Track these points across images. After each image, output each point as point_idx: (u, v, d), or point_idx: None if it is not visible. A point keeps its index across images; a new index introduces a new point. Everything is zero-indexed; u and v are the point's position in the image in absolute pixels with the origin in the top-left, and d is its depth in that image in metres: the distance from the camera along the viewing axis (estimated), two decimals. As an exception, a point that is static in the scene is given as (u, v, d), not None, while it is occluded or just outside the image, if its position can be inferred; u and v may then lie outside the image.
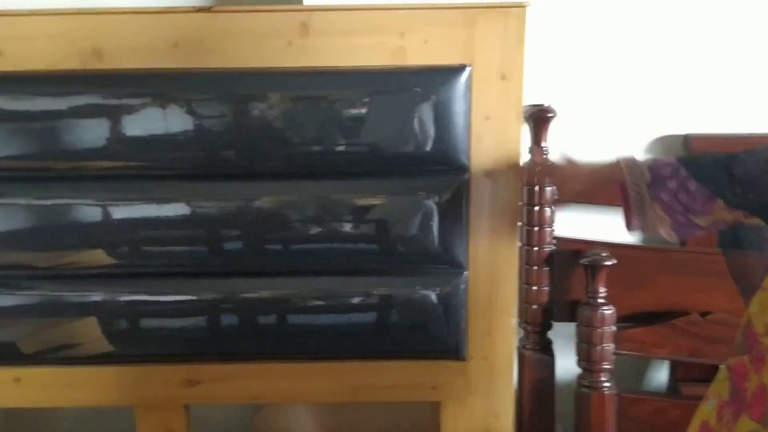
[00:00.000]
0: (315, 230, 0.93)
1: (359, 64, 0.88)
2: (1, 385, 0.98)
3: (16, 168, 0.92)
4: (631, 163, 0.76)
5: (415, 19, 0.88)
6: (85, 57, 0.87)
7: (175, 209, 0.92)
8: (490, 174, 0.92)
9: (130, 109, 0.89)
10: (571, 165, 0.84)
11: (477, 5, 0.88)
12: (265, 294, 0.96)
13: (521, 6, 0.88)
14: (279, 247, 0.94)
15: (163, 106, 0.88)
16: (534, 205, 1.04)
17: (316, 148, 0.91)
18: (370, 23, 0.87)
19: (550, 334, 1.10)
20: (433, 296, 0.95)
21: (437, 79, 0.88)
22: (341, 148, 0.91)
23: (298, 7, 0.88)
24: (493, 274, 0.95)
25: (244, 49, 0.88)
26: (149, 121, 0.89)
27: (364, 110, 0.90)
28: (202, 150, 0.90)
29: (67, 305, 0.96)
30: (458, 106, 0.89)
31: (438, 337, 0.97)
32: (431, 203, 0.92)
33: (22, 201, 0.93)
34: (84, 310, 0.96)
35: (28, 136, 0.90)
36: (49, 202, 0.92)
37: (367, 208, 0.93)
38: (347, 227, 0.93)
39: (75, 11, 0.87)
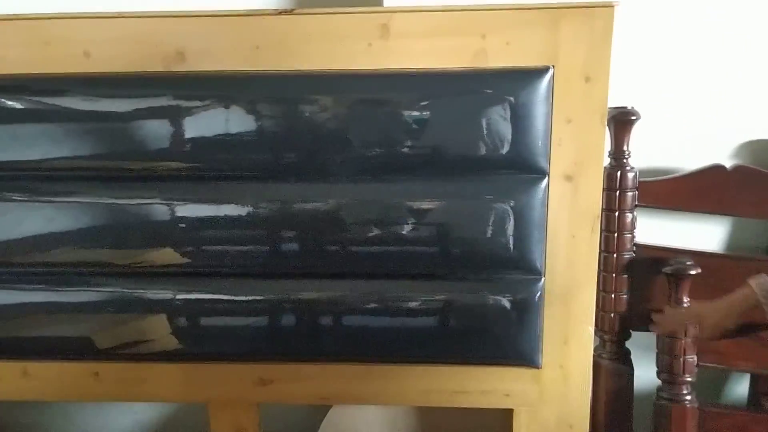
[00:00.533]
0: (378, 233, 0.92)
1: (439, 66, 0.87)
2: (81, 379, 1.01)
3: (91, 167, 0.94)
4: (763, 283, 0.82)
5: (497, 20, 0.86)
6: (168, 59, 0.89)
7: (238, 210, 0.93)
8: (571, 178, 0.90)
9: (209, 112, 0.89)
10: (705, 305, 0.92)
11: (562, 5, 0.85)
12: (326, 296, 0.96)
13: (609, 6, 0.85)
14: (339, 249, 0.94)
15: (243, 108, 0.89)
16: (614, 211, 1.01)
17: (386, 150, 0.90)
18: (451, 25, 0.86)
19: (628, 344, 1.07)
20: (506, 302, 0.93)
21: (519, 81, 0.87)
22: (413, 150, 0.89)
23: (379, 8, 0.87)
24: (571, 281, 0.92)
25: (324, 52, 0.87)
26: (226, 124, 0.89)
27: (440, 113, 0.88)
28: (274, 152, 0.91)
29: (138, 302, 0.98)
30: (539, 109, 0.87)
31: (511, 344, 0.95)
32: (506, 207, 0.90)
33: (96, 200, 0.95)
34: (153, 307, 0.98)
35: (106, 137, 0.92)
36: (121, 201, 0.94)
37: (433, 212, 0.92)
38: (413, 231, 0.92)
39: (160, 14, 0.88)
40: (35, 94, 0.91)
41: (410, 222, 0.92)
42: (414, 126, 0.89)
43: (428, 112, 0.88)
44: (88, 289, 0.99)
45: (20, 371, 1.01)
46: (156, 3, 0.96)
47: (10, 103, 0.91)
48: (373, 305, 0.96)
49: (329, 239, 0.94)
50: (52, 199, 0.95)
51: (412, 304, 0.96)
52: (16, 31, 0.89)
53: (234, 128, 0.90)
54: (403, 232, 0.92)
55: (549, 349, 0.95)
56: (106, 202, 0.95)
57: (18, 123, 0.92)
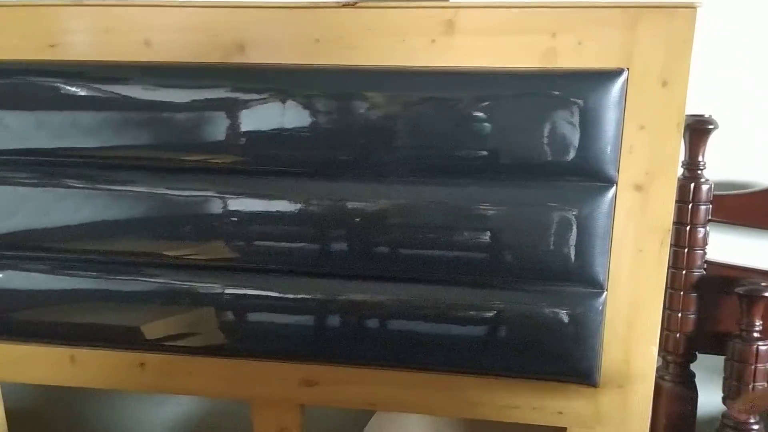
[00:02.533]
0: (430, 236, 0.89)
1: (505, 66, 0.83)
2: (127, 368, 1.01)
3: (148, 157, 0.93)
4: None
5: (569, 18, 0.81)
6: (228, 51, 0.87)
7: (289, 206, 0.91)
8: (641, 188, 0.84)
9: (266, 105, 0.87)
10: None
11: (640, 4, 0.80)
12: (373, 298, 0.93)
13: (691, 7, 0.80)
14: (388, 251, 0.91)
15: (303, 103, 0.87)
16: (685, 225, 0.95)
17: (443, 152, 0.86)
18: (520, 22, 0.82)
19: (693, 366, 1.01)
20: (564, 316, 0.89)
21: (589, 83, 0.82)
22: (472, 153, 0.86)
23: (445, 3, 0.84)
24: (636, 297, 0.87)
25: (385, 47, 0.85)
26: (281, 118, 0.87)
27: (502, 114, 0.84)
28: (328, 148, 0.89)
29: (186, 294, 0.97)
30: (610, 114, 0.82)
31: (567, 359, 0.90)
32: (569, 216, 0.86)
33: (151, 190, 0.94)
34: (202, 300, 0.97)
35: (162, 127, 0.91)
36: (175, 192, 0.94)
37: (489, 217, 0.88)
38: (467, 236, 0.88)
39: (221, 4, 0.87)
40: (95, 81, 0.91)
41: (464, 227, 0.88)
42: (474, 127, 0.85)
43: (490, 113, 0.84)
44: (139, 279, 0.98)
45: (68, 357, 1.02)
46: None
47: (71, 89, 0.91)
48: (420, 311, 0.93)
49: (378, 240, 0.91)
50: (109, 187, 0.95)
51: (462, 312, 0.92)
52: (79, 17, 0.89)
53: (289, 123, 0.88)
54: (456, 237, 0.89)
55: (608, 368, 0.90)
56: (160, 192, 0.94)
57: (78, 110, 0.92)
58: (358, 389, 0.97)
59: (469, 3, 0.84)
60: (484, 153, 0.86)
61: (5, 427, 1.09)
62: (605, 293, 0.88)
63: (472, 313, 0.92)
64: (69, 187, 0.95)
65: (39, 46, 0.90)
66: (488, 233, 0.89)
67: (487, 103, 0.84)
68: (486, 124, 0.85)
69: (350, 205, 0.90)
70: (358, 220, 0.90)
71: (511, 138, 0.85)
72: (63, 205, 0.96)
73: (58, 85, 0.91)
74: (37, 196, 0.96)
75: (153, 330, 1.00)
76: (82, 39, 0.89)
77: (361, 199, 0.90)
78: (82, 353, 1.01)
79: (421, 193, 0.89)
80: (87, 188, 0.95)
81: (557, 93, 0.83)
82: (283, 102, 0.87)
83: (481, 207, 0.88)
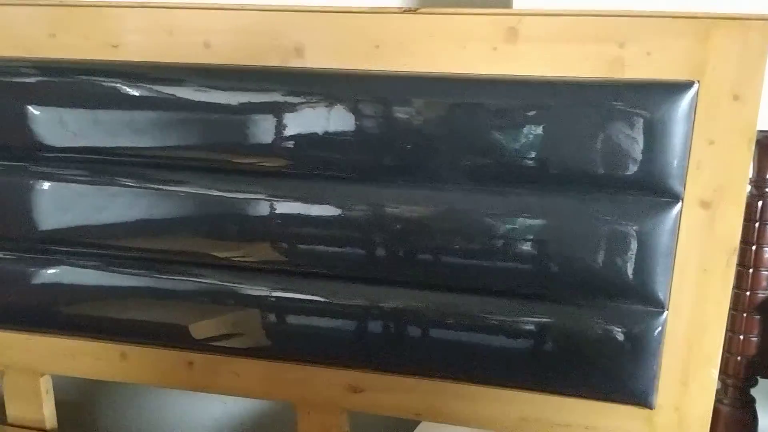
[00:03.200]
0: (476, 245, 0.87)
1: (570, 75, 0.81)
2: (176, 367, 1.02)
3: (199, 158, 0.94)
4: None
5: (637, 28, 0.79)
6: (287, 54, 0.87)
7: (334, 210, 0.91)
8: (708, 205, 0.81)
9: (321, 109, 0.87)
10: None
11: (713, 15, 0.77)
12: (416, 306, 0.92)
13: (766, 19, 0.76)
14: (431, 258, 0.90)
15: (354, 108, 0.86)
16: (751, 244, 0.91)
17: (496, 160, 0.84)
18: (586, 31, 0.80)
19: (753, 391, 0.97)
20: (619, 334, 0.86)
21: (658, 95, 0.79)
22: (526, 162, 0.84)
23: (509, 10, 0.83)
24: (699, 317, 0.84)
25: (446, 54, 0.83)
26: (335, 122, 0.87)
27: (563, 124, 0.82)
28: (377, 154, 0.88)
29: (233, 295, 0.98)
30: (678, 127, 0.80)
31: (622, 379, 0.87)
32: (629, 232, 0.83)
33: (201, 190, 0.95)
34: (248, 301, 0.97)
35: (216, 129, 0.91)
36: (225, 193, 0.94)
37: (541, 228, 0.86)
38: (516, 246, 0.87)
39: (281, 8, 0.87)
40: (153, 82, 0.91)
41: (513, 237, 0.86)
42: (531, 136, 0.83)
43: (550, 122, 0.82)
44: (187, 278, 0.99)
45: (119, 354, 1.03)
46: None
47: (128, 89, 0.92)
48: (465, 320, 0.91)
49: (423, 247, 0.90)
50: (160, 186, 0.96)
51: (509, 324, 0.90)
52: (142, 19, 0.90)
53: (343, 127, 0.87)
54: (503, 247, 0.87)
55: (665, 390, 0.87)
56: (210, 193, 0.94)
57: (133, 110, 0.92)
58: (405, 398, 0.96)
59: (534, 10, 0.82)
60: (539, 163, 0.84)
61: (54, 418, 1.11)
62: (666, 312, 0.85)
63: (519, 325, 0.90)
64: (122, 185, 0.96)
65: (101, 45, 0.91)
66: (538, 244, 0.87)
67: (547, 112, 0.82)
68: (544, 133, 0.83)
69: (394, 210, 0.89)
70: (400, 226, 0.89)
71: (569, 148, 0.83)
72: (115, 203, 0.97)
73: (117, 85, 0.92)
74: (91, 193, 0.98)
75: (200, 329, 1.01)
76: (143, 39, 0.90)
77: (407, 204, 0.89)
78: (133, 350, 1.03)
79: (468, 200, 0.88)
80: (139, 187, 0.96)
81: (622, 104, 0.80)
82: (339, 106, 0.87)
83: (531, 217, 0.86)
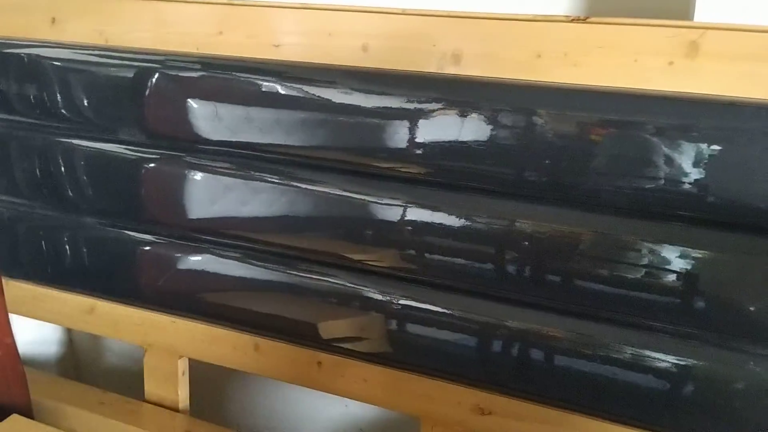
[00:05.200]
0: (612, 272, 0.82)
1: (756, 96, 0.73)
2: (306, 365, 1.03)
3: (339, 160, 0.94)
4: None
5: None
6: (444, 61, 0.85)
7: (464, 222, 0.88)
8: None
9: (473, 118, 0.84)
10: None
11: None
12: (542, 329, 0.88)
13: None
14: (562, 280, 0.85)
15: (508, 119, 0.83)
16: None
17: (651, 185, 0.78)
18: (779, 48, 0.72)
19: None
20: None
21: None
22: (682, 188, 0.77)
23: (691, 23, 0.76)
24: None
25: (615, 67, 0.78)
26: (483, 132, 0.84)
27: (740, 149, 0.75)
28: (517, 168, 0.84)
29: (359, 298, 0.98)
30: None
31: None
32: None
33: (338, 192, 0.95)
34: (373, 306, 0.97)
35: (361, 132, 0.91)
36: (361, 196, 0.94)
37: (692, 261, 0.79)
38: (657, 277, 0.80)
39: (441, 13, 0.85)
40: (309, 83, 0.92)
41: (655, 267, 0.80)
42: (704, 161, 0.76)
43: (728, 148, 0.75)
44: (320, 277, 1.00)
45: (253, 345, 1.06)
46: (434, 2, 0.93)
47: (284, 90, 0.94)
48: (598, 350, 0.86)
49: (553, 268, 0.85)
50: (302, 185, 0.97)
51: (646, 359, 0.84)
52: (303, 20, 0.91)
53: (493, 138, 0.84)
54: (642, 276, 0.80)
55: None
56: (349, 195, 0.95)
57: (287, 109, 0.94)
58: (534, 427, 0.92)
59: (719, 24, 0.75)
60: (708, 191, 0.77)
61: (187, 399, 1.16)
62: None
63: (658, 363, 0.83)
64: (266, 181, 0.99)
65: (264, 45, 0.93)
66: (690, 278, 0.80)
67: (726, 136, 0.75)
68: (720, 159, 0.75)
69: (527, 227, 0.86)
70: (531, 243, 0.85)
71: (746, 180, 0.75)
72: (259, 198, 1.00)
73: (274, 84, 0.94)
74: (238, 187, 1.01)
75: (328, 329, 1.01)
76: (303, 41, 0.92)
77: (541, 222, 0.85)
78: (266, 343, 1.05)
79: (611, 224, 0.83)
80: (281, 184, 0.98)
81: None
82: (493, 116, 0.84)
83: (689, 248, 0.79)
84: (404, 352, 0.97)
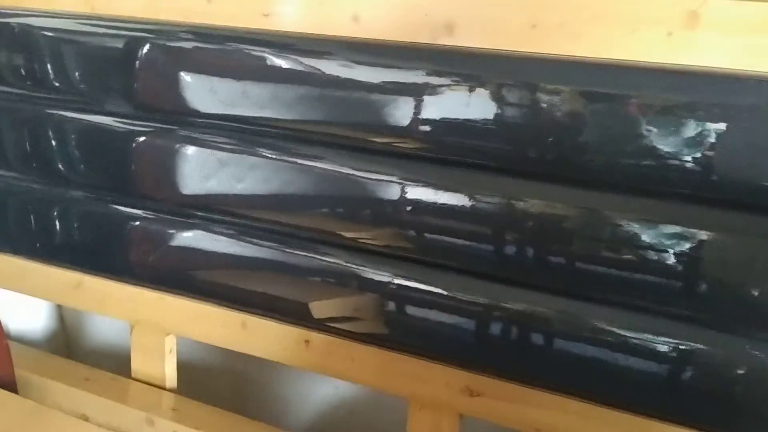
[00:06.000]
0: (615, 255, 0.80)
1: (760, 70, 0.70)
2: (294, 344, 1.01)
3: (338, 135, 0.92)
4: None
5: None
6: (436, 31, 0.82)
7: (464, 200, 0.86)
8: None
9: (463, 92, 0.82)
10: None
11: None
12: (541, 311, 0.86)
13: None
14: (564, 262, 0.83)
15: (501, 93, 0.80)
16: None
17: (655, 162, 0.75)
18: (784, 19, 0.69)
19: None
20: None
21: None
22: (689, 166, 0.74)
23: (692, -8, 0.73)
24: None
25: (612, 38, 0.75)
26: (478, 107, 0.81)
27: (740, 127, 0.72)
28: (517, 145, 0.82)
29: (355, 277, 0.96)
30: None
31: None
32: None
33: (337, 168, 0.93)
34: (369, 286, 0.95)
35: (357, 105, 0.88)
36: (359, 173, 0.92)
37: (695, 243, 0.76)
38: (662, 260, 0.77)
39: (434, -18, 0.83)
40: (300, 54, 0.90)
41: (665, 248, 0.77)
42: (705, 138, 0.73)
43: (730, 124, 0.72)
44: (313, 255, 0.98)
45: (240, 322, 1.04)
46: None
47: (277, 61, 0.91)
48: (597, 333, 0.84)
49: (555, 249, 0.83)
50: (298, 161, 0.95)
51: (646, 343, 0.81)
52: (296, -11, 0.90)
53: (488, 113, 0.81)
54: (644, 258, 0.78)
55: (838, 445, 0.75)
56: (345, 171, 0.93)
57: (280, 83, 0.92)
58: (525, 410, 0.90)
59: (723, -7, 0.72)
60: (709, 169, 0.74)
61: (175, 377, 1.15)
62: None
63: (658, 346, 0.81)
64: (261, 156, 0.97)
65: (253, 14, 0.91)
66: (692, 260, 0.77)
67: (728, 112, 0.72)
68: (721, 136, 0.73)
69: (528, 207, 0.83)
70: (533, 223, 0.83)
71: (749, 157, 0.72)
72: (255, 174, 0.98)
73: (265, 54, 0.91)
74: (234, 162, 0.99)
75: (320, 309, 1.00)
76: (294, 10, 0.89)
77: (541, 201, 0.83)
78: (254, 321, 1.03)
79: (611, 203, 0.80)
80: (278, 160, 0.96)
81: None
82: (483, 90, 0.81)
83: (691, 229, 0.77)
84: (398, 333, 0.95)
